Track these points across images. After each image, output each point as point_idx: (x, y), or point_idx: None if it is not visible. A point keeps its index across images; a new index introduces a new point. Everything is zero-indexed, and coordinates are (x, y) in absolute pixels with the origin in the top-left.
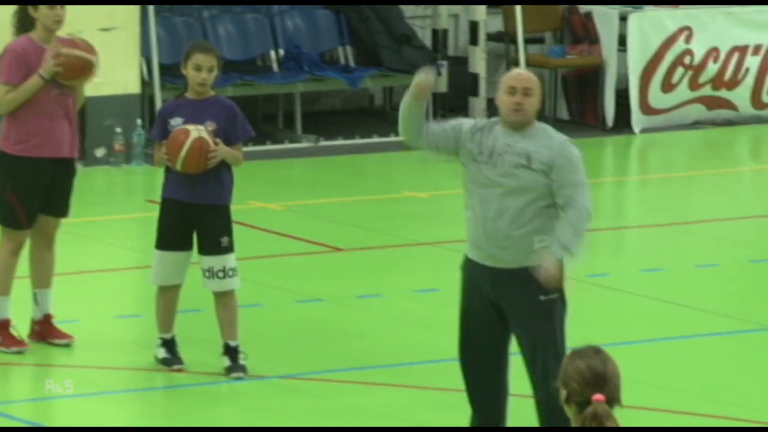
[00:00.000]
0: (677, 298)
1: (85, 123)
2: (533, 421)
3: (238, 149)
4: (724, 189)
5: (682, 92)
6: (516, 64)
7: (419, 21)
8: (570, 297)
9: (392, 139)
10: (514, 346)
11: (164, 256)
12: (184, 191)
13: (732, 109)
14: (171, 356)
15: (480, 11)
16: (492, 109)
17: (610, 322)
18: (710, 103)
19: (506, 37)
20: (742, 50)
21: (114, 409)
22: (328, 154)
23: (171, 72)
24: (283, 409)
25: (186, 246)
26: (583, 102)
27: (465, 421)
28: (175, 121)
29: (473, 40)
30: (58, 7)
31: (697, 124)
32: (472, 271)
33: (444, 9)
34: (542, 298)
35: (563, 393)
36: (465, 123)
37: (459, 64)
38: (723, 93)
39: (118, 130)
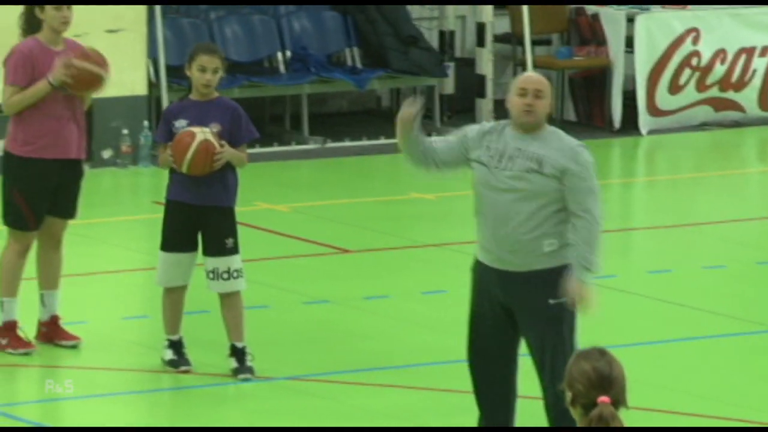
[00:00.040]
0: (684, 300)
1: (92, 124)
2: (542, 423)
3: (243, 150)
4: (731, 190)
5: (689, 94)
6: (523, 65)
7: (426, 22)
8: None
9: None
10: (523, 348)
11: (169, 258)
12: (188, 193)
13: (739, 110)
14: (178, 358)
15: (487, 13)
16: (499, 111)
17: (617, 323)
18: (717, 104)
19: (513, 38)
20: (749, 52)
21: (121, 410)
22: (335, 156)
23: (178, 73)
24: (289, 411)
25: (191, 247)
26: (590, 103)
27: (472, 422)
28: (180, 123)
29: (480, 42)
30: (65, 8)
31: (704, 126)
32: (481, 274)
33: (451, 10)
34: (551, 301)
35: (568, 395)
36: (470, 130)
37: (466, 65)
38: (730, 94)
39: (125, 131)
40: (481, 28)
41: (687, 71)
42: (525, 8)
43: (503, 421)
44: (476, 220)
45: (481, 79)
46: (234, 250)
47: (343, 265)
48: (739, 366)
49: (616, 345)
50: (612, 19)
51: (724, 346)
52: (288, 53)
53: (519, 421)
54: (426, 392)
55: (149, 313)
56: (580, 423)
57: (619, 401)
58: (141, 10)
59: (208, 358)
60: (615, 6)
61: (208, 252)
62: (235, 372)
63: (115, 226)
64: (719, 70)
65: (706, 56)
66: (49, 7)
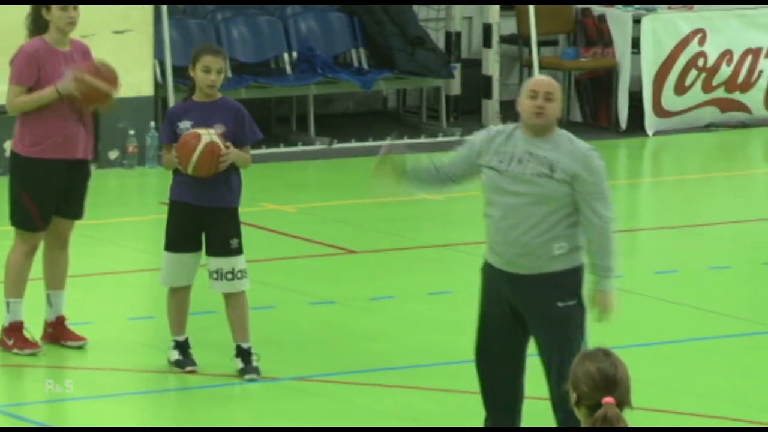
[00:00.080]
0: (690, 300)
1: (99, 125)
2: (548, 423)
3: (247, 151)
4: (737, 191)
5: (696, 94)
6: (529, 66)
7: (432, 23)
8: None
9: (405, 141)
10: (530, 348)
11: (173, 258)
12: (192, 194)
13: (745, 111)
14: (184, 358)
15: (493, 14)
16: (505, 111)
17: (624, 324)
18: (723, 105)
19: (520, 39)
20: (755, 53)
21: (127, 410)
22: (341, 157)
23: (184, 74)
24: (295, 411)
25: (195, 247)
26: (596, 104)
27: (477, 422)
28: (184, 125)
29: (486, 43)
30: (71, 8)
31: (710, 127)
32: (491, 276)
33: (457, 11)
34: (560, 304)
35: (573, 396)
36: (477, 137)
37: (472, 66)
38: (736, 95)
39: (132, 132)
40: (487, 29)
41: (693, 72)
42: (531, 9)
43: (509, 421)
44: (485, 222)
45: (488, 79)
46: (239, 251)
47: (349, 266)
48: (746, 367)
49: (622, 345)
50: (618, 19)
51: (730, 346)
52: (294, 54)
53: (525, 422)
54: (431, 392)
55: (155, 313)
56: (584, 424)
57: (623, 402)
58: (147, 10)
59: (214, 359)
60: (621, 7)
61: (213, 252)
62: (241, 372)
63: (121, 227)
64: (725, 71)
65: (712, 57)
66: (55, 8)
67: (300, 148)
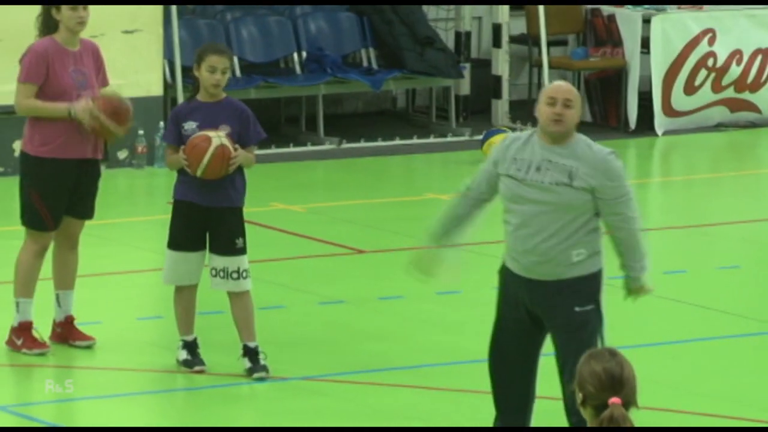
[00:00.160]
0: (698, 300)
1: None
2: (555, 423)
3: (251, 151)
4: (746, 191)
5: (705, 94)
6: (539, 66)
7: (442, 23)
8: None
9: (414, 141)
10: (545, 347)
11: (177, 257)
12: (196, 193)
13: (755, 111)
14: (192, 358)
15: (503, 14)
16: (515, 112)
17: (632, 323)
18: (733, 105)
19: (529, 39)
20: (765, 52)
21: (135, 410)
22: (351, 156)
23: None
24: (303, 411)
25: (199, 247)
26: (605, 104)
27: (486, 422)
28: (189, 125)
29: (496, 43)
30: (81, 8)
31: (719, 126)
32: (509, 280)
33: (467, 11)
34: (577, 309)
35: (579, 396)
36: (495, 149)
37: (482, 66)
38: (746, 95)
39: (141, 132)
40: (497, 29)
41: (703, 72)
42: (541, 9)
43: (519, 422)
44: (504, 229)
45: (497, 79)
46: (243, 250)
47: (358, 266)
48: (754, 366)
49: (630, 345)
50: (628, 19)
51: (738, 346)
52: (304, 54)
53: (536, 421)
54: (440, 392)
55: (163, 313)
56: (590, 423)
57: (629, 402)
58: (157, 10)
59: (222, 359)
60: (631, 7)
61: (218, 251)
62: (250, 371)
63: (130, 227)
64: (735, 70)
65: (721, 57)
66: (65, 8)
67: (309, 147)
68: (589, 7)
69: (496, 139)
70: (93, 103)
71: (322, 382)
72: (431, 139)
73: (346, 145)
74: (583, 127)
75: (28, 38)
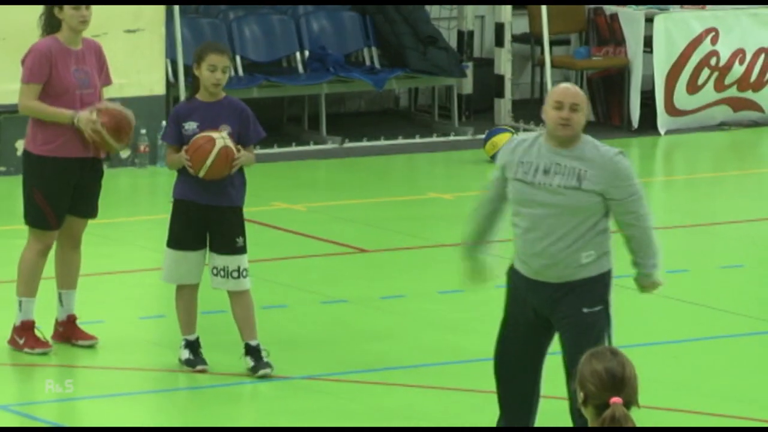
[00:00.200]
0: (701, 299)
1: None
2: (564, 421)
3: (250, 151)
4: (749, 190)
5: (708, 93)
6: (541, 65)
7: (445, 22)
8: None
9: (417, 140)
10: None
11: (178, 255)
12: (196, 192)
13: (757, 110)
14: (194, 357)
15: (506, 13)
16: (517, 111)
17: (634, 322)
18: (735, 104)
19: (532, 38)
20: (767, 51)
21: (137, 409)
22: (353, 156)
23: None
24: (305, 410)
25: (199, 246)
26: (608, 103)
27: (488, 422)
28: (189, 126)
29: (499, 42)
30: (83, 7)
31: (722, 126)
32: (517, 283)
33: (470, 10)
34: (586, 310)
35: (580, 395)
36: (501, 153)
37: (484, 65)
38: (748, 94)
39: (143, 131)
40: (499, 28)
41: (705, 71)
42: (543, 8)
43: (522, 422)
44: (513, 231)
45: (500, 79)
46: (243, 249)
47: (360, 265)
48: (756, 365)
49: (633, 344)
50: (630, 18)
51: (740, 345)
52: (306, 53)
53: (540, 420)
54: (441, 392)
55: (165, 312)
56: (592, 423)
57: (631, 401)
58: (159, 10)
59: (224, 358)
60: (633, 6)
61: (218, 250)
62: (254, 369)
63: (132, 226)
64: (737, 69)
65: (724, 56)
66: (67, 7)
67: (312, 147)
68: (592, 6)
69: (499, 138)
70: (97, 117)
71: (324, 381)
72: (434, 138)
73: (348, 144)
74: (585, 126)
75: (30, 37)
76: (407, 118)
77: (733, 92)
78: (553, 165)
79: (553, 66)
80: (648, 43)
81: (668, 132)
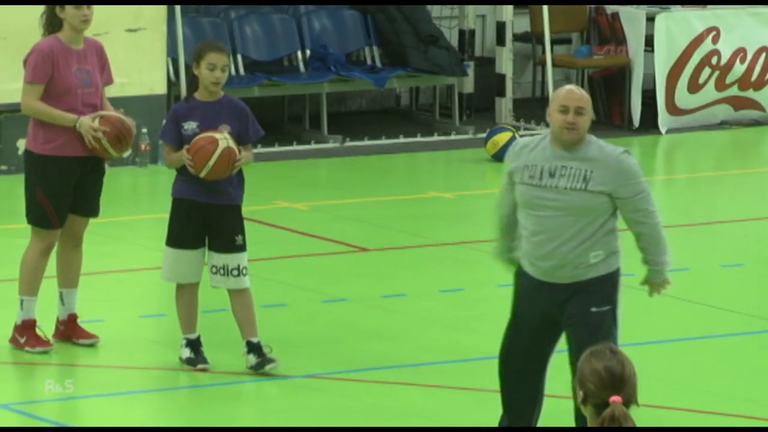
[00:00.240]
0: (702, 298)
1: None
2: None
3: (248, 149)
4: (750, 189)
5: (709, 92)
6: (543, 64)
7: (446, 21)
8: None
9: (418, 139)
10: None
11: (178, 254)
12: (195, 191)
13: (758, 109)
14: (195, 356)
15: (507, 12)
16: (518, 110)
17: (636, 320)
18: (736, 103)
19: (533, 37)
20: None
21: (138, 408)
22: (354, 155)
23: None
24: (306, 409)
25: (199, 244)
26: (609, 102)
27: (489, 420)
28: (189, 125)
29: (500, 41)
30: (85, 7)
31: (723, 124)
32: (526, 285)
33: (471, 9)
34: (594, 309)
35: (580, 394)
36: (506, 160)
37: (486, 64)
38: (749, 93)
39: (144, 130)
40: (500, 27)
41: (706, 70)
42: (545, 7)
43: (525, 422)
44: (521, 233)
45: (501, 78)
46: (243, 247)
47: (361, 264)
48: (757, 364)
49: (634, 342)
50: (631, 17)
51: (741, 343)
52: (307, 52)
53: (544, 418)
54: (443, 390)
55: (166, 311)
56: (591, 422)
57: (630, 400)
58: (161, 9)
59: (225, 357)
60: (634, 5)
61: (218, 249)
62: (259, 365)
63: (133, 225)
64: (738, 68)
65: (725, 55)
66: (69, 6)
67: (313, 146)
68: (593, 5)
69: (500, 138)
70: (99, 124)
71: (325, 380)
72: (435, 137)
73: (349, 143)
74: None
75: (31, 37)
76: (408, 117)
77: (734, 91)
78: (558, 167)
79: (554, 65)
80: (649, 42)
81: (669, 131)
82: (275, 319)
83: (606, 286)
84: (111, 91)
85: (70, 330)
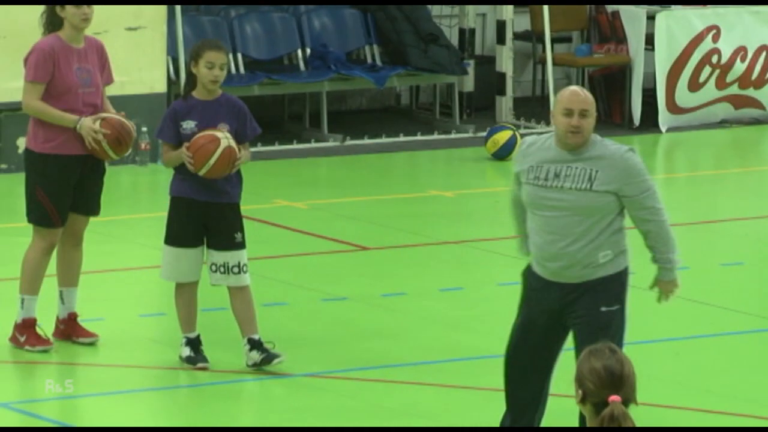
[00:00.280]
0: (702, 297)
1: None
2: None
3: (246, 147)
4: (750, 188)
5: (709, 91)
6: (543, 63)
7: (446, 20)
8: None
9: (418, 138)
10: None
11: (177, 252)
12: (194, 190)
13: (759, 108)
14: (195, 355)
15: (507, 10)
16: (519, 109)
17: (635, 320)
18: (737, 101)
19: (533, 36)
20: None
21: (138, 407)
22: (354, 153)
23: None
24: (306, 408)
25: (198, 242)
26: (609, 101)
27: (489, 419)
28: (188, 124)
29: (500, 39)
30: (85, 6)
31: (723, 123)
32: (534, 284)
33: (471, 8)
34: (603, 309)
35: (579, 393)
36: (515, 162)
37: (486, 63)
38: (750, 92)
39: (144, 129)
40: (501, 26)
41: (707, 69)
42: (545, 6)
43: (528, 421)
44: (529, 234)
45: (501, 76)
46: (242, 245)
47: (361, 262)
48: (757, 363)
49: (634, 341)
50: (632, 16)
51: (741, 343)
52: (308, 51)
53: (547, 417)
54: (443, 389)
55: (166, 310)
56: (590, 421)
57: (629, 400)
58: (161, 7)
59: (224, 355)
60: (635, 4)
61: (218, 246)
62: (264, 361)
63: (133, 223)
64: (739, 67)
65: (725, 54)
66: (69, 5)
67: (313, 144)
68: (594, 4)
69: (500, 136)
70: (100, 127)
71: (325, 379)
72: (435, 136)
73: (349, 142)
74: None
75: (31, 36)
76: (408, 115)
77: (734, 90)
78: (563, 167)
79: (554, 64)
80: (649, 40)
81: (669, 129)
82: (275, 318)
83: (615, 286)
84: (111, 90)
85: (70, 329)
